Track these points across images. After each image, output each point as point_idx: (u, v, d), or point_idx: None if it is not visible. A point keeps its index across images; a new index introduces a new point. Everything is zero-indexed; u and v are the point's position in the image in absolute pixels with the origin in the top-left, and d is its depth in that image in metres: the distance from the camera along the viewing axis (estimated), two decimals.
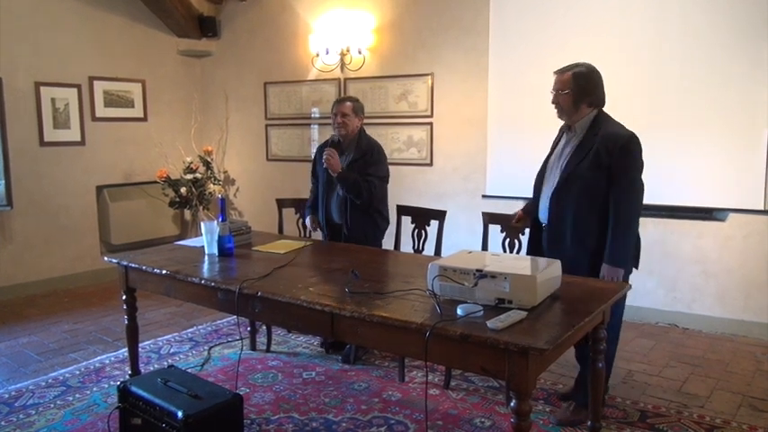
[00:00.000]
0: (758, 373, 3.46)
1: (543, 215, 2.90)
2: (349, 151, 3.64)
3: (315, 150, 4.05)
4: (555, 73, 2.86)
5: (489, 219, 3.45)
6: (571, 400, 2.95)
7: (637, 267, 2.86)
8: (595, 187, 2.71)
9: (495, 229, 3.39)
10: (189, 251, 3.21)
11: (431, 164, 5.21)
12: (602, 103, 2.84)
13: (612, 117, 2.83)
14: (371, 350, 3.68)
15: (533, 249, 2.99)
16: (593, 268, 2.73)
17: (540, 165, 3.00)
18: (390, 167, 3.76)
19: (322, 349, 3.82)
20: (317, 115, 5.80)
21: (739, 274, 4.07)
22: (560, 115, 2.87)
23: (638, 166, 2.74)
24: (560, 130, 2.97)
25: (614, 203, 2.69)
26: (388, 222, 3.74)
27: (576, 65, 2.83)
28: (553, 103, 2.85)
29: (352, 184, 3.49)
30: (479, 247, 3.39)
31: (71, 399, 3.17)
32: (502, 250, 3.29)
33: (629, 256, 2.74)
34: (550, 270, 2.23)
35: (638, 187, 2.73)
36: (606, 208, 2.71)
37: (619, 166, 2.68)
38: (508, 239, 3.31)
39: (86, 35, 5.52)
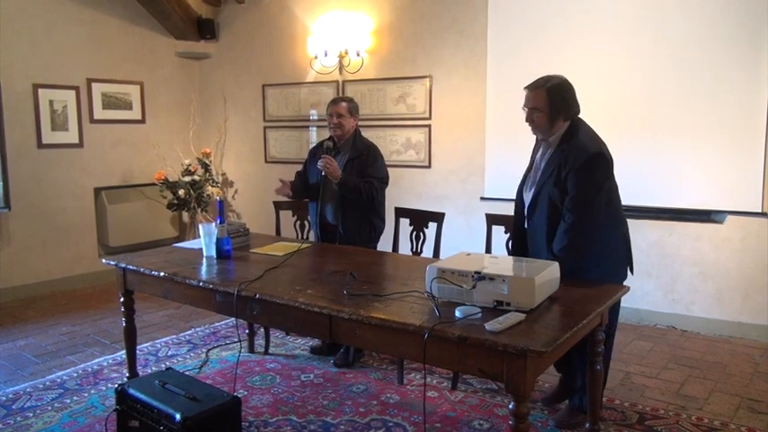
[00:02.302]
0: (756, 375, 3.46)
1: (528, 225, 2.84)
2: (345, 151, 3.63)
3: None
4: (526, 89, 2.69)
5: (492, 220, 3.45)
6: (569, 403, 2.95)
7: (632, 272, 2.80)
8: (562, 203, 2.61)
9: (497, 231, 3.39)
10: (187, 253, 3.21)
11: (429, 166, 5.21)
12: (577, 112, 2.69)
13: (588, 125, 2.69)
14: (368, 353, 3.67)
15: (517, 254, 2.94)
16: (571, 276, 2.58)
17: (523, 175, 2.92)
18: (388, 169, 3.74)
19: (312, 354, 3.80)
20: (316, 117, 5.80)
21: (737, 276, 4.08)
22: (535, 132, 2.74)
23: (596, 183, 2.57)
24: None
25: (564, 219, 2.58)
26: (384, 224, 3.74)
27: (548, 79, 2.66)
28: (527, 121, 2.69)
29: (353, 188, 3.49)
30: (478, 249, 3.39)
31: (69, 401, 3.16)
32: (506, 252, 3.29)
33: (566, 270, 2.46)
34: (549, 272, 2.23)
35: (590, 206, 2.56)
36: None
37: (574, 181, 2.55)
38: (512, 241, 3.29)
39: (85, 37, 5.52)
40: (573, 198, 2.57)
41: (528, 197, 2.79)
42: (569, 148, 2.61)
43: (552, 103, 2.62)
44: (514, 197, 2.98)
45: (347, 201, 3.54)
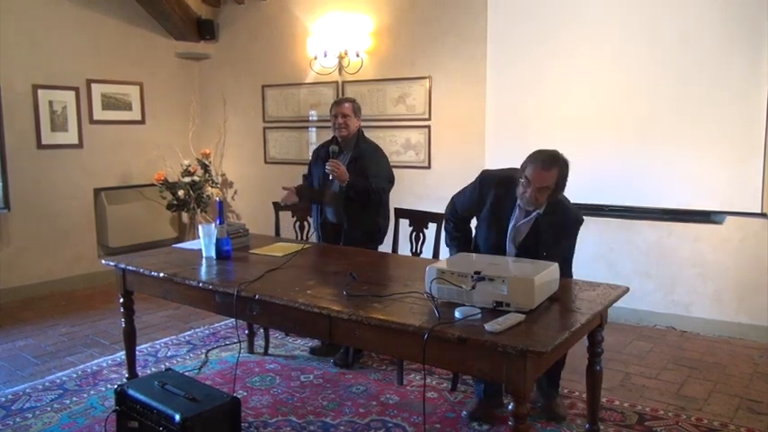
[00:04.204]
0: (756, 376, 3.46)
1: None
2: (347, 150, 3.64)
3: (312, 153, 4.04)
4: (539, 167, 2.52)
5: None
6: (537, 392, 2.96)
7: None
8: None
9: None
10: (186, 254, 3.21)
11: (429, 167, 5.21)
12: None
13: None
14: (368, 353, 3.67)
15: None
16: None
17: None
18: None
19: (311, 354, 3.80)
20: (315, 118, 5.80)
21: (736, 277, 4.08)
22: (530, 205, 2.62)
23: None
24: (498, 196, 2.76)
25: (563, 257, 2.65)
26: (388, 222, 3.74)
27: (558, 156, 2.57)
28: (532, 198, 2.55)
29: (361, 190, 3.49)
30: None
31: (68, 402, 3.16)
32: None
33: None
34: (548, 273, 2.24)
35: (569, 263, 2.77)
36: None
37: (565, 239, 2.71)
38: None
39: (84, 38, 5.51)
40: (559, 254, 2.57)
41: (510, 251, 2.77)
42: (559, 208, 2.67)
43: (561, 178, 2.57)
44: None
45: (352, 200, 3.54)
